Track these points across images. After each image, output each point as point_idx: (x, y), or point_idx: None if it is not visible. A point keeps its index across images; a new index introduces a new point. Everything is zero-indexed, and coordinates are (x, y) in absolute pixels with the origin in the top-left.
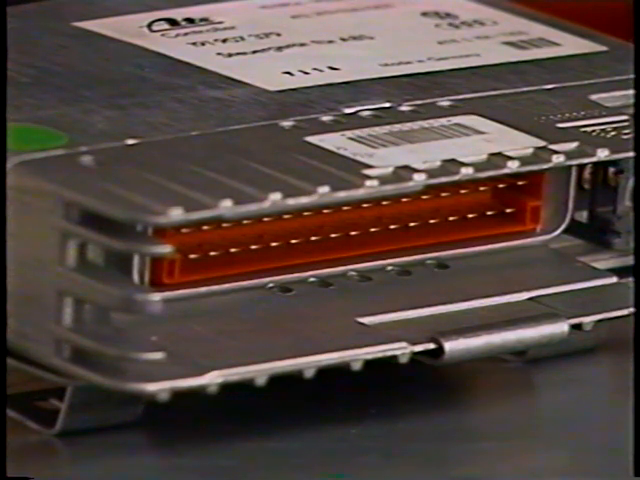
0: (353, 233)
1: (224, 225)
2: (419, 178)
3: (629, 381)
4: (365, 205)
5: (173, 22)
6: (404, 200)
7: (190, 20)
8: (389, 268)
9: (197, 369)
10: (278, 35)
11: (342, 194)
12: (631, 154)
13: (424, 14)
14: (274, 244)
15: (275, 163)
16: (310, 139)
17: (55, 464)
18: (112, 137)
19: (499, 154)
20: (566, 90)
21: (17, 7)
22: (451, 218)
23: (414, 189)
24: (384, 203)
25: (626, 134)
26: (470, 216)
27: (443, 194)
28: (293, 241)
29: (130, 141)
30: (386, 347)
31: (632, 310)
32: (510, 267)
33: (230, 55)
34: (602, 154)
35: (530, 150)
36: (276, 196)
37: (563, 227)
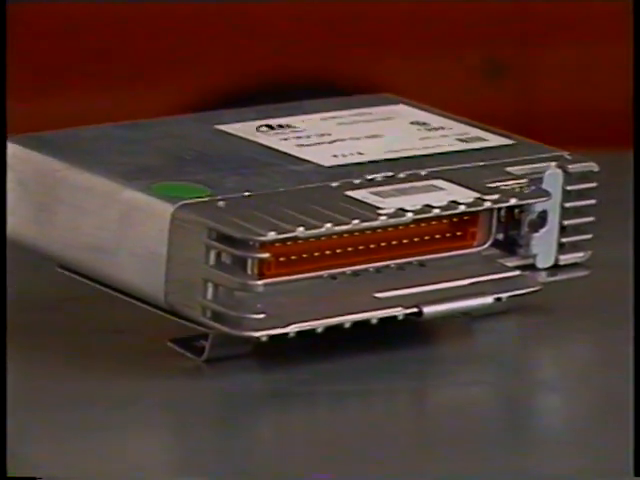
0: (371, 246)
1: (299, 241)
2: (409, 215)
3: (530, 329)
4: (378, 230)
5: (271, 127)
6: (400, 227)
7: (280, 126)
8: (392, 266)
9: (283, 323)
10: (329, 135)
11: (365, 224)
12: (530, 201)
13: (411, 123)
14: (327, 252)
15: (328, 206)
16: (348, 193)
17: (201, 379)
18: (236, 191)
19: (454, 201)
20: (492, 166)
21: (183, 115)
22: (426, 237)
23: (406, 221)
24: (389, 229)
25: (527, 189)
26: (437, 236)
27: (422, 224)
28: (338, 250)
29: (246, 193)
30: (390, 310)
31: (529, 290)
32: (459, 265)
33: (302, 145)
34: (512, 201)
35: (472, 199)
36: (328, 225)
37: (489, 243)
